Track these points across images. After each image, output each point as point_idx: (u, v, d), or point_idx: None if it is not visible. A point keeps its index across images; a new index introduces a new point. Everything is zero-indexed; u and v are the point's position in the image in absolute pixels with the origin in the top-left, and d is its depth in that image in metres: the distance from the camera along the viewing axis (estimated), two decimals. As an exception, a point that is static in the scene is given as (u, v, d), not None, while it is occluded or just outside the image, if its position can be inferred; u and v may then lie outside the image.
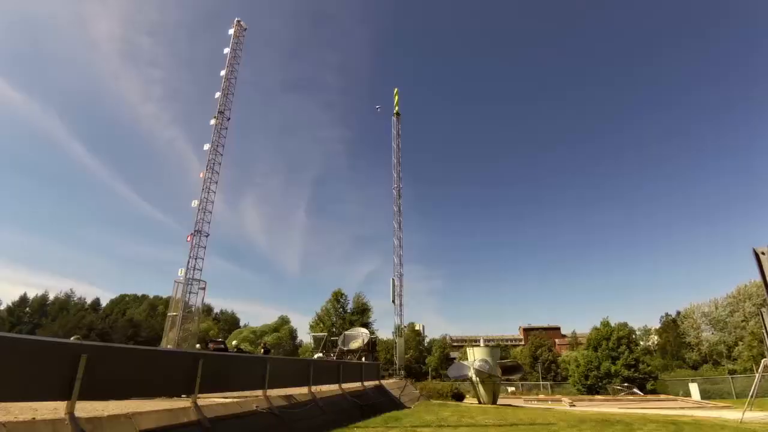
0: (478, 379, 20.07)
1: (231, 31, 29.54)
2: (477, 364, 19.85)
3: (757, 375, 13.60)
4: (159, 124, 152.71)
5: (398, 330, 30.42)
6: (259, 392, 8.62)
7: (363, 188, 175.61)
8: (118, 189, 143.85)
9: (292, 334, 76.74)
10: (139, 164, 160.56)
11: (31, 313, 78.09)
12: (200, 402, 6.74)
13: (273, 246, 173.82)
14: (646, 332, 74.09)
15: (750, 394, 13.39)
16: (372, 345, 27.15)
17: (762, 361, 12.63)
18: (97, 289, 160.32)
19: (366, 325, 45.34)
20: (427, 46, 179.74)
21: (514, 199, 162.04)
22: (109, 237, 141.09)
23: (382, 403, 14.69)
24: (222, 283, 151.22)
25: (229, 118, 27.70)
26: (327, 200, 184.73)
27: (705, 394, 29.63)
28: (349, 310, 52.80)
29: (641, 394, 33.82)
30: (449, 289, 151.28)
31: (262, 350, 21.19)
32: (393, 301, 30.15)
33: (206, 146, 26.35)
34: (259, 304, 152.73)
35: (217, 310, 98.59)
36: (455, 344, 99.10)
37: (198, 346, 18.86)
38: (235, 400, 7.93)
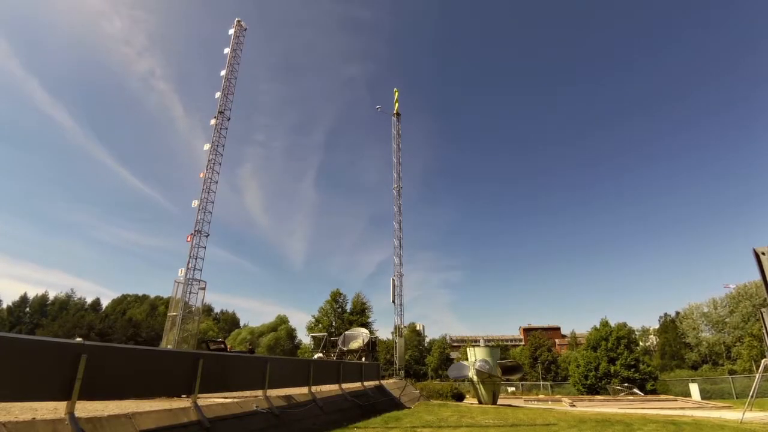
0: (478, 379, 20.06)
1: (231, 31, 29.51)
2: (477, 364, 19.84)
3: (757, 375, 13.60)
4: (130, 50, 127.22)
5: (398, 330, 30.41)
6: (259, 392, 8.62)
7: (386, 143, 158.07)
8: (90, 149, 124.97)
9: (291, 333, 76.69)
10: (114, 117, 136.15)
11: (31, 313, 78.09)
12: (200, 402, 6.74)
13: (276, 229, 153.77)
14: (645, 332, 74.13)
15: (750, 394, 13.39)
16: (372, 345, 27.12)
17: (762, 361, 12.63)
18: (99, 287, 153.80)
19: (366, 325, 45.36)
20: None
21: (514, 199, 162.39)
22: (86, 217, 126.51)
23: (382, 403, 14.69)
24: (220, 277, 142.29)
25: (230, 119, 27.70)
26: (341, 165, 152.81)
27: (705, 395, 29.63)
28: (348, 310, 52.76)
29: (641, 394, 33.82)
30: (460, 285, 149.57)
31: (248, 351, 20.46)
32: (393, 301, 30.13)
33: (206, 146, 26.33)
34: (260, 300, 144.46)
35: (216, 309, 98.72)
36: (455, 344, 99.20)
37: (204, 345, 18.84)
38: (235, 400, 7.93)
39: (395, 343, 30.74)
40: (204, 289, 24.09)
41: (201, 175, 25.56)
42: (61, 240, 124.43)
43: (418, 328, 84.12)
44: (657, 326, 72.76)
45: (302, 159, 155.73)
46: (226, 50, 28.98)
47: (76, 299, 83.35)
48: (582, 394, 37.36)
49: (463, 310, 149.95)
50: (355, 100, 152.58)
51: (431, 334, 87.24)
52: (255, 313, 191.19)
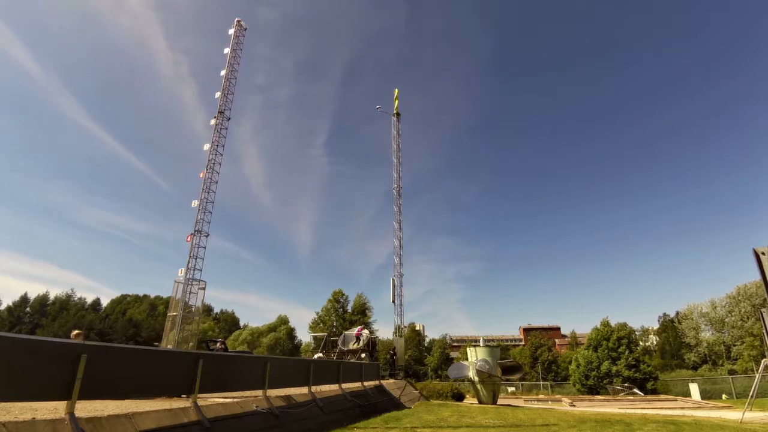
0: (478, 379, 20.06)
1: (231, 31, 29.53)
2: (477, 364, 19.84)
3: (757, 375, 13.60)
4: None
5: (398, 330, 30.43)
6: (259, 392, 8.62)
7: (419, 89, 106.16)
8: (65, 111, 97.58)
9: (291, 333, 76.71)
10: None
11: (32, 313, 78.08)
12: (200, 402, 6.74)
13: (279, 210, 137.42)
14: (645, 332, 74.18)
15: (750, 394, 13.39)
16: (372, 345, 27.10)
17: (762, 361, 12.63)
18: (100, 286, 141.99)
19: (366, 325, 45.40)
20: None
21: (514, 199, 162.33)
22: (63, 196, 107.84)
23: (382, 403, 14.69)
24: (219, 270, 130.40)
25: (230, 118, 27.71)
26: (358, 122, 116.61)
27: (705, 395, 29.62)
28: (349, 310, 53.08)
29: (641, 394, 33.80)
30: (472, 280, 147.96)
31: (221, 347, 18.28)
32: (393, 301, 30.16)
33: (206, 146, 26.34)
34: (262, 296, 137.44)
35: (215, 306, 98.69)
36: (455, 344, 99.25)
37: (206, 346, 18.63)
38: (235, 400, 7.93)
39: (395, 343, 30.73)
40: (204, 289, 24.12)
41: (201, 175, 25.57)
42: (41, 226, 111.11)
43: (418, 328, 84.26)
44: (657, 326, 72.86)
45: (311, 113, 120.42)
46: (226, 50, 28.99)
47: (76, 299, 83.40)
48: (582, 394, 37.35)
49: (472, 308, 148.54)
50: (383, 27, 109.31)
51: (440, 332, 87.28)
52: (256, 310, 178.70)
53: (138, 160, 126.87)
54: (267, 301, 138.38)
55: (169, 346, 21.57)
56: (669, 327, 65.90)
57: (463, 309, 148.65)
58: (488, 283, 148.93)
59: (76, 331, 9.56)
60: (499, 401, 21.10)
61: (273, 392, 8.97)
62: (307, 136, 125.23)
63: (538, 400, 28.42)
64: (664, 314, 72.51)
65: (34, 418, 4.52)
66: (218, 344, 18.17)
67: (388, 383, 19.16)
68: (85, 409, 5.53)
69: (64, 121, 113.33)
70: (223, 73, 28.31)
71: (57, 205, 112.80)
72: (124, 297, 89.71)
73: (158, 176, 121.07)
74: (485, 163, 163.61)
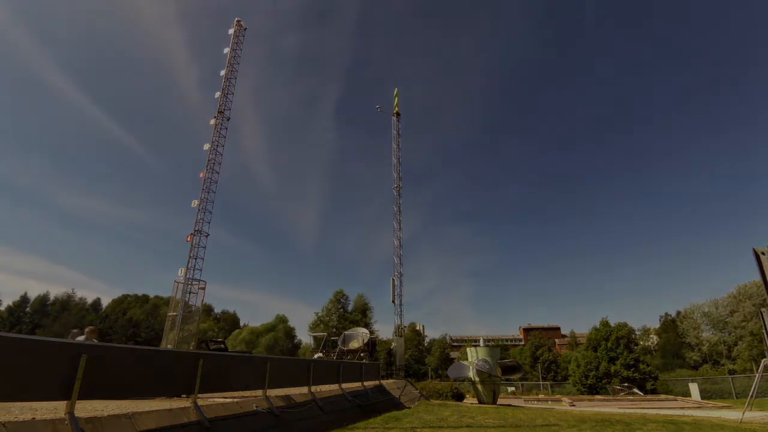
0: (478, 379, 20.07)
1: (231, 31, 29.52)
2: (477, 364, 19.86)
3: (757, 375, 13.61)
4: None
5: (398, 330, 30.44)
6: (259, 392, 8.63)
7: (453, 37, 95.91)
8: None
9: (290, 333, 76.69)
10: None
11: (32, 313, 78.08)
12: (200, 402, 6.74)
13: (282, 194, 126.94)
14: (646, 332, 74.18)
15: (750, 394, 13.39)
16: (372, 345, 27.13)
17: (762, 361, 12.64)
18: (101, 284, 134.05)
19: (367, 326, 45.51)
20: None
21: (514, 198, 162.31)
22: (36, 178, 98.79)
23: (382, 403, 14.70)
24: (220, 267, 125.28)
25: (229, 118, 27.70)
26: (374, 79, 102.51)
27: (705, 394, 29.64)
28: (349, 311, 53.17)
29: (641, 394, 33.83)
30: (486, 275, 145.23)
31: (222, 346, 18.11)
32: (393, 301, 30.19)
33: (206, 146, 26.33)
34: (262, 293, 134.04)
35: (214, 303, 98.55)
36: (455, 344, 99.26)
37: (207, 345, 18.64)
38: (235, 400, 7.94)
39: (395, 343, 30.77)
40: (204, 289, 24.12)
41: (201, 175, 25.57)
42: (40, 220, 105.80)
43: (418, 328, 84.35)
44: (658, 326, 72.85)
45: (319, 72, 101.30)
46: (226, 50, 28.98)
47: (76, 299, 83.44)
48: (582, 394, 37.37)
49: (478, 306, 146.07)
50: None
51: (443, 331, 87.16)
52: (257, 308, 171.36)
53: (109, 120, 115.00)
54: (268, 299, 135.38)
55: (169, 346, 21.58)
56: (670, 327, 65.92)
57: (469, 306, 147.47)
58: (495, 280, 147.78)
59: (90, 327, 9.53)
60: (499, 401, 21.12)
61: (273, 392, 8.98)
62: (313, 102, 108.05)
63: (538, 400, 28.43)
64: (665, 314, 72.57)
65: (34, 418, 4.53)
66: (222, 345, 18.15)
67: (388, 383, 19.17)
68: (85, 409, 5.53)
69: (33, 82, 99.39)
70: (222, 73, 28.29)
71: (32, 189, 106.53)
72: (125, 297, 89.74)
73: (153, 161, 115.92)
74: (494, 156, 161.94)
